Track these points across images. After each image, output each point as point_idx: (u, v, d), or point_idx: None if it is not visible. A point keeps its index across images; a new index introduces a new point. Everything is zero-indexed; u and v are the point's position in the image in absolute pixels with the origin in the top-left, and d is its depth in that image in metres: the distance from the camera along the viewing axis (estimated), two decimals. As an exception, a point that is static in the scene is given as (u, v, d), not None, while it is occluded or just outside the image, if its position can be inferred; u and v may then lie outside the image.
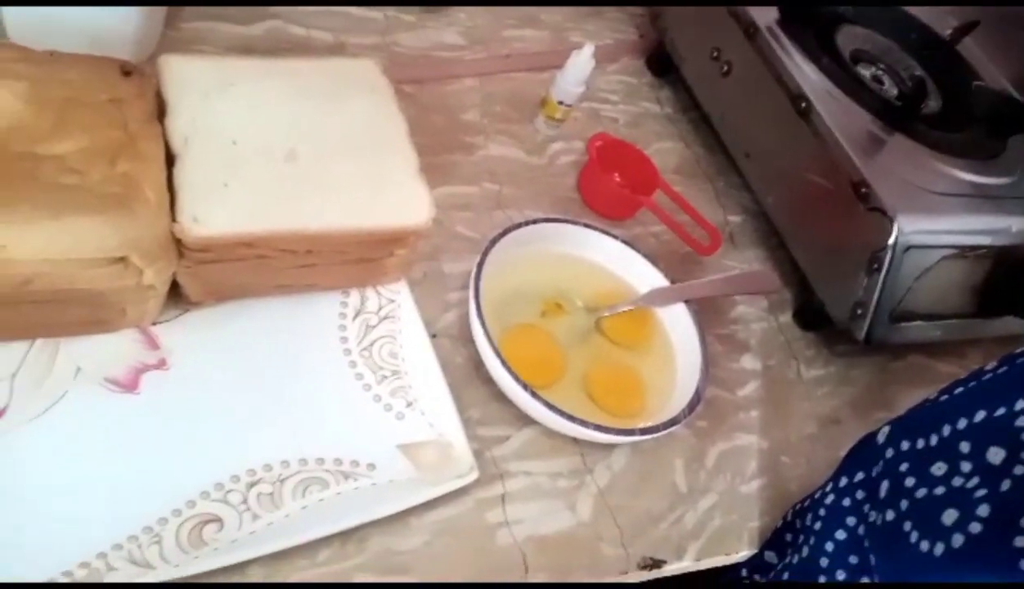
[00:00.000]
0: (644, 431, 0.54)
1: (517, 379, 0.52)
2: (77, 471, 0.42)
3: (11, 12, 0.57)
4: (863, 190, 0.67)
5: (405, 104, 0.71)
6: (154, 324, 0.49)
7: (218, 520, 0.43)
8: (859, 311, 0.68)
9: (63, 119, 0.43)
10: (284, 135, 0.50)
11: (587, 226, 0.65)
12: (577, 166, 0.77)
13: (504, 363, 0.52)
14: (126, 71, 0.46)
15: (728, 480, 0.61)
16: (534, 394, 0.52)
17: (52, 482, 0.42)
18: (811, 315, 0.74)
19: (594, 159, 0.73)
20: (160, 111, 0.49)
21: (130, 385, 0.46)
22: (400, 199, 0.50)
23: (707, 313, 0.68)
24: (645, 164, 0.76)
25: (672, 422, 0.55)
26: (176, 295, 0.49)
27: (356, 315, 0.54)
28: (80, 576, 0.39)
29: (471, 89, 0.79)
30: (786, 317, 0.75)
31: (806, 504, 0.57)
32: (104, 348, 0.47)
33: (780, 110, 0.73)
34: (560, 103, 0.77)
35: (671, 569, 0.55)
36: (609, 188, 0.74)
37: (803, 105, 0.71)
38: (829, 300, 0.71)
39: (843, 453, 0.57)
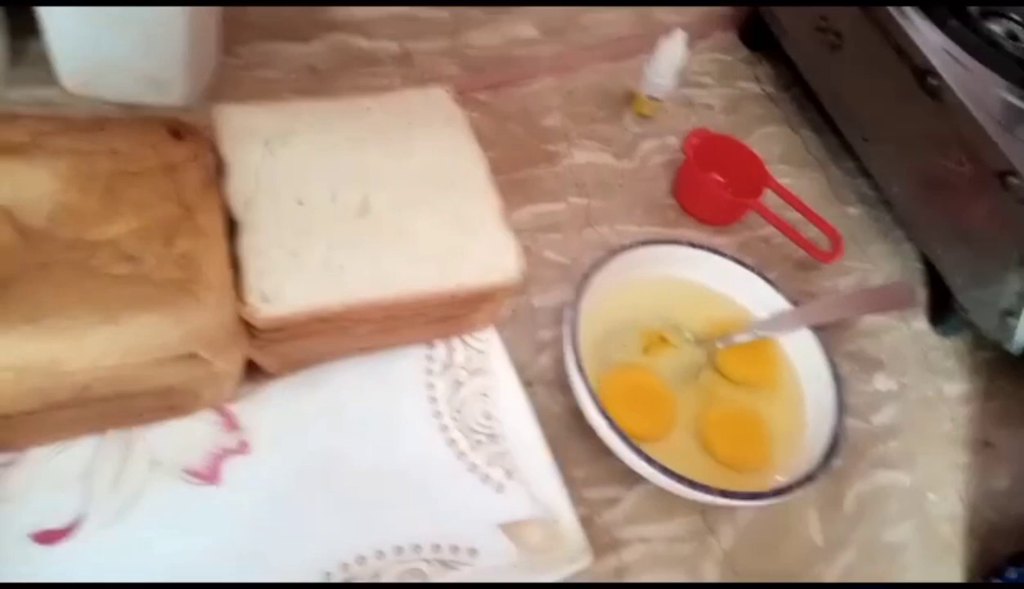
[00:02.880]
0: (776, 493, 0.47)
1: (625, 439, 0.46)
2: (159, 576, 0.39)
3: (62, 55, 0.53)
4: (1010, 179, 0.57)
5: (480, 114, 0.66)
6: (232, 402, 0.45)
7: (311, 629, 0.39)
8: (1009, 319, 0.59)
9: (112, 196, 0.39)
10: (355, 185, 0.45)
11: (691, 245, 0.58)
12: (671, 166, 0.69)
13: (609, 420, 0.47)
14: (175, 132, 0.42)
15: (869, 528, 0.54)
16: (647, 458, 0.46)
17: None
18: (951, 321, 0.66)
19: (691, 160, 0.65)
20: (218, 168, 0.44)
21: (211, 476, 0.42)
22: (485, 252, 0.45)
23: (831, 328, 0.60)
24: (750, 159, 0.68)
25: (807, 479, 0.48)
26: (253, 368, 0.45)
27: (444, 370, 0.49)
28: None
29: (551, 88, 0.72)
30: (920, 323, 0.67)
31: None
32: (180, 434, 0.43)
33: (903, 87, 0.64)
34: (650, 97, 0.70)
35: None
36: (710, 192, 0.67)
37: (930, 80, 0.62)
38: (972, 306, 0.62)
39: (1000, 483, 0.49)
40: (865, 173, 0.73)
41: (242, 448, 0.43)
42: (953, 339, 0.66)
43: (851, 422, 0.58)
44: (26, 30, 0.55)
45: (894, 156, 0.68)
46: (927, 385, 0.63)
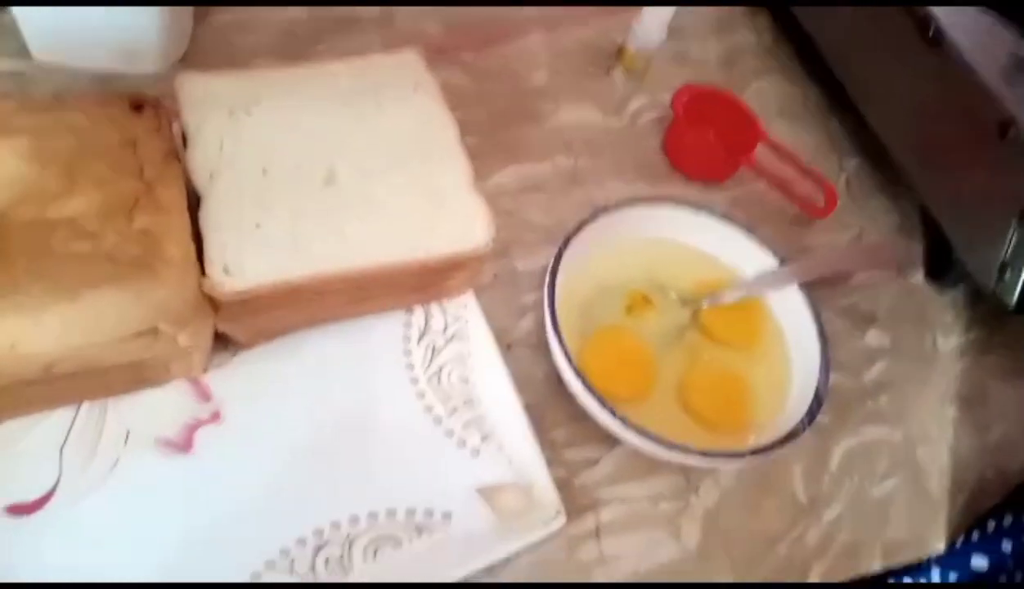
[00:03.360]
0: (755, 452, 0.47)
1: (602, 402, 0.46)
2: (133, 546, 0.40)
3: (30, 25, 0.53)
4: (1011, 131, 0.55)
5: (464, 74, 0.65)
6: (204, 372, 0.45)
7: (284, 595, 0.40)
8: (1007, 273, 0.57)
9: (72, 173, 0.39)
10: (321, 154, 0.44)
11: (676, 204, 0.57)
12: (662, 123, 0.68)
13: (586, 384, 0.46)
14: (137, 105, 0.41)
15: (856, 484, 0.53)
16: (623, 421, 0.46)
17: (107, 558, 0.39)
18: (948, 274, 0.64)
19: (680, 117, 0.64)
20: (183, 140, 0.44)
21: (184, 445, 0.43)
22: (454, 221, 0.44)
23: (824, 284, 0.59)
24: (743, 114, 0.66)
25: (789, 436, 0.48)
26: (226, 339, 0.45)
27: (421, 337, 0.49)
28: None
29: (538, 45, 0.70)
30: (918, 278, 0.65)
31: None
32: (154, 405, 0.43)
33: (904, 36, 0.62)
34: (639, 52, 0.68)
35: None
36: (700, 148, 0.65)
37: (931, 30, 0.59)
38: (971, 259, 0.60)
39: (992, 437, 0.48)
40: (865, 126, 0.70)
41: (215, 417, 0.44)
42: (951, 293, 0.65)
43: (841, 379, 0.57)
44: (-4, 2, 0.54)
45: (894, 108, 0.66)
46: (922, 340, 0.62)
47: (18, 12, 0.51)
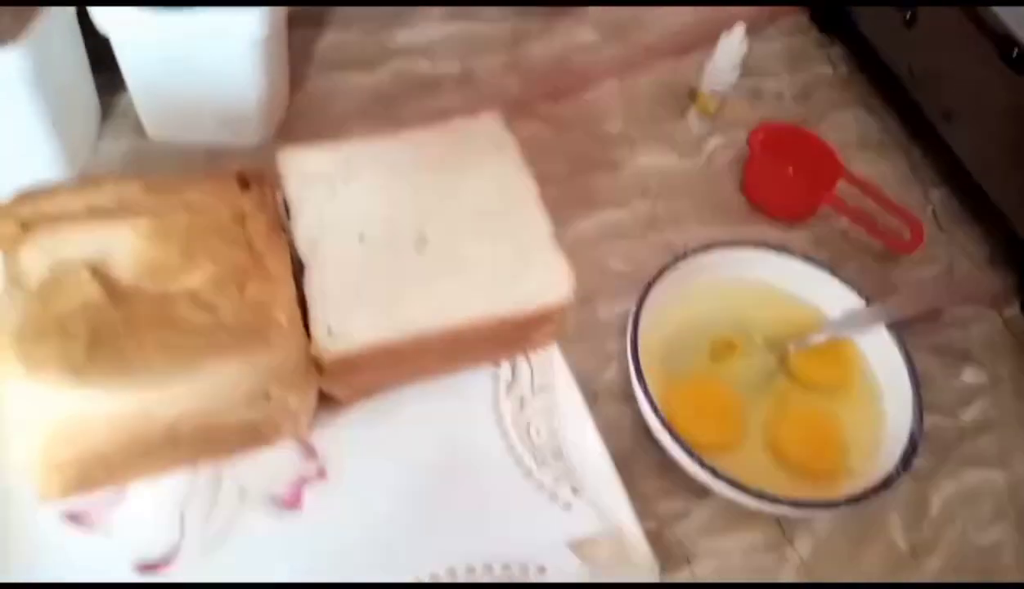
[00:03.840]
0: (850, 501, 0.46)
1: (690, 452, 0.46)
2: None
3: (145, 107, 0.58)
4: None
5: (541, 125, 0.67)
6: (309, 430, 0.47)
7: (389, 645, 0.41)
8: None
9: (189, 248, 0.42)
10: (412, 219, 0.47)
11: (755, 246, 0.57)
12: (740, 162, 0.68)
13: (673, 433, 0.47)
14: (244, 183, 0.45)
15: (959, 530, 0.52)
16: (712, 470, 0.46)
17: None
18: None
19: (757, 155, 0.64)
20: (287, 211, 0.47)
21: (293, 502, 0.45)
22: (537, 276, 0.46)
23: (915, 321, 0.58)
24: (821, 149, 0.66)
25: (884, 484, 0.47)
26: (328, 398, 0.48)
27: (509, 390, 0.51)
28: None
29: (612, 92, 0.72)
30: (1014, 310, 0.63)
31: None
32: (264, 465, 0.46)
33: (984, 59, 0.61)
34: (712, 93, 0.69)
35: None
36: (780, 186, 0.65)
37: (1014, 51, 0.58)
38: (1069, 288, 0.59)
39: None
40: (950, 154, 0.69)
41: (321, 475, 0.46)
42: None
43: (937, 420, 0.56)
44: (113, 86, 0.59)
45: (978, 133, 0.65)
46: (1022, 376, 0.60)
47: (135, 95, 0.56)
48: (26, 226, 0.42)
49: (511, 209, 0.48)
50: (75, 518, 0.43)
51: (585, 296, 0.57)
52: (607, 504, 0.47)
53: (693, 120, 0.70)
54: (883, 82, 0.75)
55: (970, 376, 0.59)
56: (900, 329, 0.54)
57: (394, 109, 0.65)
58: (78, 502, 0.43)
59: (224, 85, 0.56)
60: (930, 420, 0.55)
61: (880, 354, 0.54)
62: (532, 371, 0.52)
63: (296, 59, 0.65)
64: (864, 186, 0.64)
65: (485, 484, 0.47)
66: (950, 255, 0.66)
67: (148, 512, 0.43)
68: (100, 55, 0.56)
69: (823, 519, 0.51)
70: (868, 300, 0.55)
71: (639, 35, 0.76)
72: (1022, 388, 0.59)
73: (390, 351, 0.44)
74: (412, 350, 0.45)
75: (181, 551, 0.42)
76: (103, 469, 0.42)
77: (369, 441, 0.48)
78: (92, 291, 0.40)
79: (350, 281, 0.44)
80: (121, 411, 0.38)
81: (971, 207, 0.68)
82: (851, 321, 0.54)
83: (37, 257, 0.41)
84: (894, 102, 0.74)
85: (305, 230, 0.45)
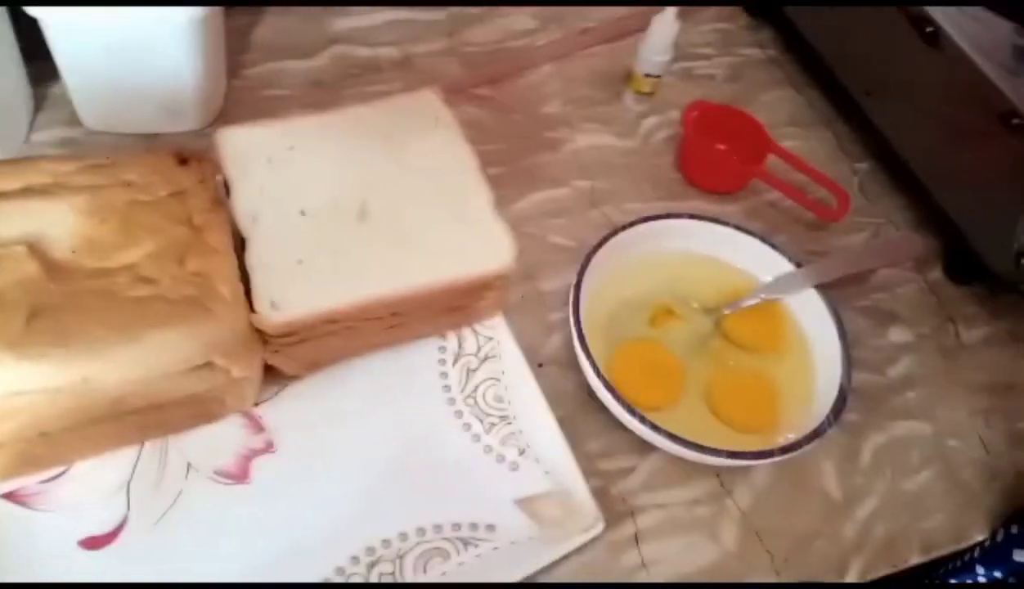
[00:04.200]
0: (783, 450, 0.48)
1: (631, 409, 0.48)
2: (197, 576, 0.42)
3: (80, 96, 0.57)
4: (1015, 121, 0.57)
5: (482, 109, 0.68)
6: (256, 405, 0.48)
7: (343, 610, 0.42)
8: (1024, 259, 0.59)
9: (128, 225, 0.42)
10: (353, 192, 0.48)
11: (691, 217, 0.59)
12: (676, 140, 0.70)
13: (614, 392, 0.48)
14: (182, 159, 0.45)
15: (889, 479, 0.55)
16: (652, 425, 0.47)
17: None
18: (966, 268, 0.65)
19: (691, 133, 0.66)
20: (227, 188, 0.47)
21: (240, 475, 0.46)
22: (479, 244, 0.47)
23: (844, 285, 0.60)
24: (751, 126, 0.68)
25: (814, 434, 0.49)
26: (274, 371, 0.48)
27: (456, 360, 0.52)
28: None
29: (549, 76, 0.73)
30: (937, 273, 0.67)
31: None
32: (211, 439, 0.46)
33: (901, 37, 0.64)
34: (647, 75, 0.71)
35: (835, 592, 0.50)
36: (712, 162, 0.68)
37: (928, 28, 0.62)
38: (986, 249, 0.62)
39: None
40: (873, 128, 0.72)
41: (268, 447, 0.47)
42: (972, 286, 0.66)
43: (866, 376, 0.59)
44: (47, 76, 0.59)
45: (898, 107, 0.68)
46: (945, 334, 0.63)
47: (70, 84, 0.56)
48: (-40, 206, 0.41)
49: (451, 179, 0.49)
50: (15, 497, 0.42)
51: (528, 271, 0.59)
52: (553, 464, 0.48)
53: (629, 101, 0.72)
54: (810, 63, 0.78)
55: (897, 335, 0.62)
56: (829, 292, 0.56)
57: (334, 94, 0.66)
58: (20, 482, 0.43)
59: (161, 70, 0.56)
60: (860, 377, 0.58)
61: (811, 316, 0.56)
62: (478, 341, 0.53)
63: (234, 46, 0.65)
64: (792, 159, 0.67)
65: (434, 450, 0.48)
66: (876, 224, 0.69)
67: (93, 488, 0.43)
68: (32, 43, 0.55)
69: (760, 472, 0.53)
70: (799, 265, 0.57)
71: (577, 22, 0.77)
72: (945, 345, 0.62)
73: (332, 320, 0.44)
74: (356, 320, 0.46)
75: (127, 525, 0.43)
76: (46, 448, 0.41)
77: (317, 413, 0.48)
78: (30, 267, 0.40)
79: (292, 253, 0.45)
80: (63, 385, 0.38)
81: (895, 178, 0.72)
82: (781, 284, 0.57)
83: (-28, 236, 0.40)
84: (820, 81, 0.77)
85: (245, 205, 0.46)
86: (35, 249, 0.40)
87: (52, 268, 0.40)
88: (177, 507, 0.44)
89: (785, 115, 0.75)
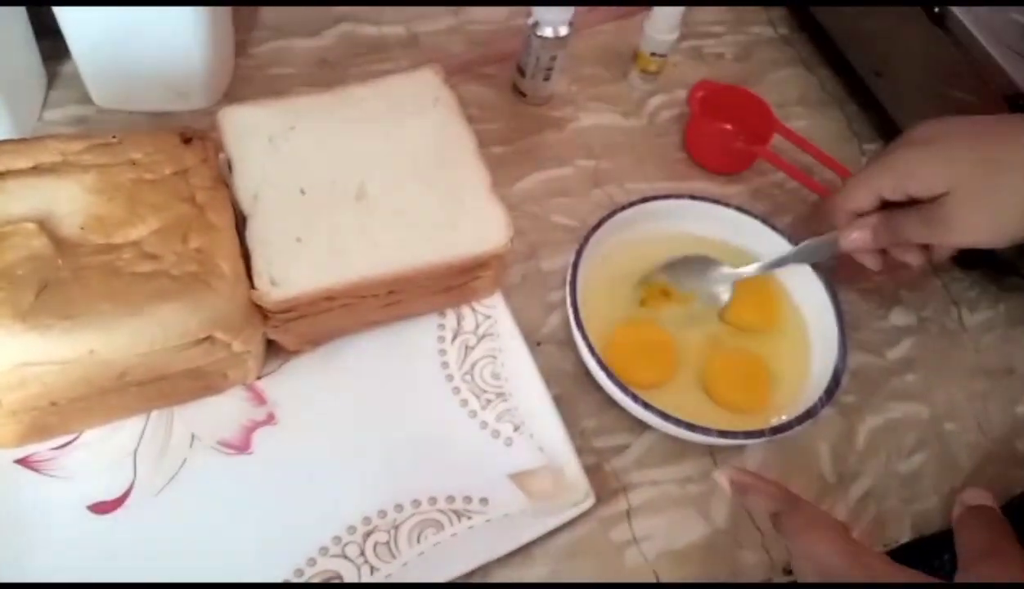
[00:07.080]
0: (775, 430, 0.49)
1: (624, 388, 0.49)
2: (200, 540, 0.44)
3: (90, 75, 0.58)
4: (1020, 103, 0.57)
5: (486, 88, 0.69)
6: (258, 379, 0.49)
7: (337, 577, 0.44)
8: (1027, 243, 0.58)
9: (134, 203, 0.43)
10: (352, 171, 0.48)
11: (692, 198, 0.59)
12: (681, 120, 0.70)
13: (608, 371, 0.49)
14: (186, 139, 0.46)
15: (883, 460, 0.55)
16: (646, 405, 0.48)
17: (177, 553, 0.44)
18: (972, 252, 0.65)
19: (696, 113, 0.66)
20: (229, 167, 0.48)
21: (243, 445, 0.47)
22: (474, 224, 0.48)
23: (845, 267, 0.60)
24: (758, 106, 0.68)
25: (807, 415, 0.50)
26: (276, 347, 0.50)
27: (454, 337, 0.53)
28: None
29: (556, 55, 0.73)
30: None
31: None
32: (215, 411, 0.48)
33: (910, 17, 0.63)
34: (653, 54, 0.71)
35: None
36: (717, 142, 0.67)
37: (936, 8, 0.61)
38: (991, 233, 0.61)
39: (1022, 409, 0.49)
40: (881, 108, 0.72)
41: (270, 419, 0.48)
42: (975, 270, 0.65)
43: (865, 358, 0.59)
44: (59, 55, 0.60)
45: (906, 89, 0.68)
46: (948, 317, 0.63)
47: (80, 63, 0.57)
48: (-28, 184, 0.43)
49: (450, 159, 0.50)
50: (28, 462, 0.44)
51: (529, 250, 0.60)
52: (547, 440, 0.49)
53: (635, 80, 0.72)
54: (821, 42, 0.77)
55: (898, 318, 0.62)
56: (828, 273, 0.56)
57: (340, 73, 0.67)
58: (32, 448, 0.45)
59: (169, 50, 0.57)
60: (859, 359, 0.58)
61: (809, 296, 0.56)
62: (477, 319, 0.54)
63: (241, 24, 0.66)
64: (798, 140, 0.67)
65: (431, 425, 0.50)
66: (881, 205, 0.68)
67: (101, 455, 0.45)
68: (45, 21, 0.56)
69: (754, 451, 0.53)
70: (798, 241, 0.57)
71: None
72: (947, 328, 0.62)
73: (332, 299, 0.45)
74: (354, 297, 0.47)
75: (134, 491, 0.44)
76: (57, 416, 0.43)
77: (318, 387, 0.50)
78: (39, 243, 0.41)
79: (291, 231, 0.46)
80: (71, 357, 0.40)
81: (902, 160, 0.71)
82: (778, 261, 0.56)
83: (-17, 213, 0.42)
84: (830, 61, 0.77)
85: (246, 183, 0.47)
86: (44, 225, 0.42)
87: (61, 244, 0.41)
88: (181, 475, 0.46)
89: (795, 95, 0.75)
